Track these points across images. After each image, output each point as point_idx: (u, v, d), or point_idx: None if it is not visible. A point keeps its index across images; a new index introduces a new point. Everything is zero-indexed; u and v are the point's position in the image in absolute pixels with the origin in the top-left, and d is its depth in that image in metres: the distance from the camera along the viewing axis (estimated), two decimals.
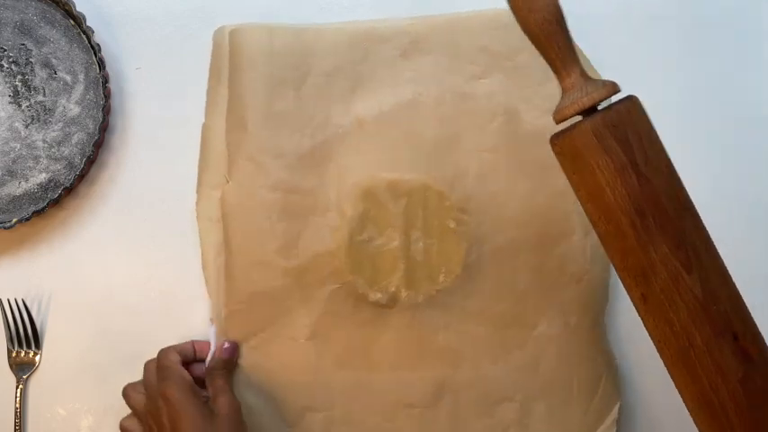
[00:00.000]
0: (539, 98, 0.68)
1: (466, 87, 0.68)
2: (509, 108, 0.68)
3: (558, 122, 0.50)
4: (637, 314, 0.69)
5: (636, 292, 0.49)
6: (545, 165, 0.67)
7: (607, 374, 0.67)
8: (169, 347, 0.63)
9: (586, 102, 0.48)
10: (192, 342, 0.66)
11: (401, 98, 0.68)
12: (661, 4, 0.72)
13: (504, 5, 0.68)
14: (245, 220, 0.66)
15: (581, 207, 0.67)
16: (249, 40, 0.67)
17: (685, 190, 0.49)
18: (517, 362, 0.66)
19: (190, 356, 0.64)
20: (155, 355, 0.68)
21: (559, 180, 0.67)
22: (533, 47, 0.67)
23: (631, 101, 0.49)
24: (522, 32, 0.67)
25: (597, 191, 0.48)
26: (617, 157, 0.47)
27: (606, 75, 0.70)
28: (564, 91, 0.50)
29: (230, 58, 0.68)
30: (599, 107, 0.49)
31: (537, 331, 0.67)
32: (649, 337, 0.66)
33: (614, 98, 0.50)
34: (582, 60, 0.69)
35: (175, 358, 0.62)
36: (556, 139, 0.50)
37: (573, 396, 0.66)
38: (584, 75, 0.49)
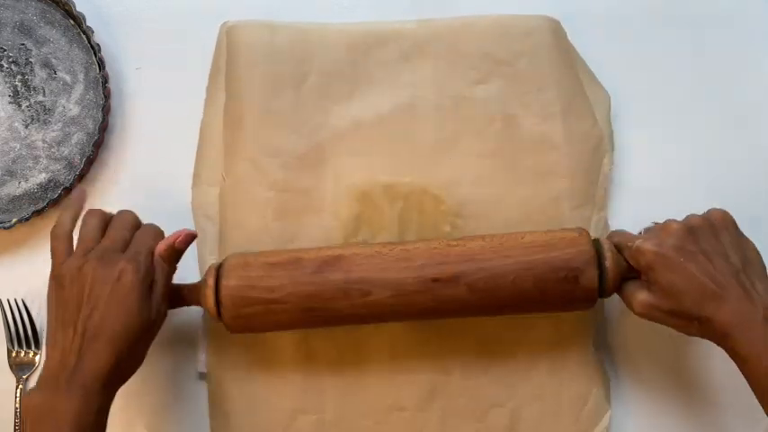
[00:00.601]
0: (537, 104, 0.68)
1: (465, 92, 0.68)
2: (507, 114, 0.68)
3: None
4: (629, 324, 0.69)
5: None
6: (541, 171, 0.67)
7: (599, 384, 0.66)
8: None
9: (210, 301, 0.60)
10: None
11: (400, 101, 0.68)
12: (660, 4, 0.72)
13: (507, 10, 0.69)
14: (241, 218, 0.66)
15: (579, 214, 0.67)
16: (248, 37, 0.67)
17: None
18: (509, 369, 0.66)
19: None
20: (155, 357, 0.68)
21: (555, 186, 0.67)
22: (534, 52, 0.67)
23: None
24: (524, 38, 0.68)
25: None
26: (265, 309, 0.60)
27: (605, 75, 0.70)
28: None
29: (227, 56, 0.68)
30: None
31: (529, 339, 0.67)
32: (640, 348, 0.68)
33: None
34: (578, 63, 0.70)
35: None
36: None
37: (563, 404, 0.66)
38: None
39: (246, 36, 0.68)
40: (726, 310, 0.53)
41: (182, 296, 0.61)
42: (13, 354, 0.66)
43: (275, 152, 0.67)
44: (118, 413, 0.67)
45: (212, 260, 0.67)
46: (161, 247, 0.57)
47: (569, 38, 0.69)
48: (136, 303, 0.55)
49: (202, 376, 0.68)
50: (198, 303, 0.61)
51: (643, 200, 0.69)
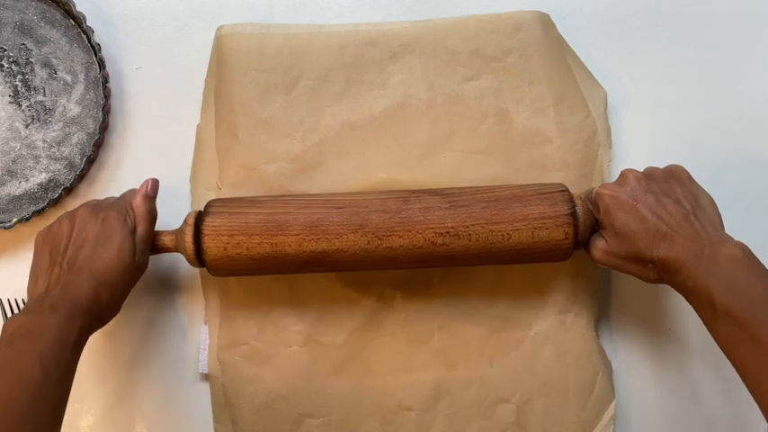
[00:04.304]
0: (529, 98, 0.68)
1: (457, 89, 0.68)
2: (500, 109, 0.68)
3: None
4: (632, 313, 0.69)
5: None
6: (536, 164, 0.67)
7: (602, 373, 0.67)
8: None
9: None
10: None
11: (392, 101, 0.68)
12: (660, 3, 0.72)
13: (507, 9, 0.69)
14: None
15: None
16: (238, 46, 0.67)
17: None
18: (513, 362, 0.66)
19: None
20: (155, 357, 0.68)
21: (550, 179, 0.67)
22: (523, 47, 0.67)
23: None
24: (512, 33, 0.68)
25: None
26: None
27: (604, 72, 0.70)
28: None
29: (218, 65, 0.68)
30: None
31: (533, 331, 0.67)
32: (645, 337, 0.68)
33: None
34: (571, 57, 0.70)
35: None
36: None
37: (569, 395, 0.66)
38: None
39: (236, 45, 0.67)
40: (676, 248, 0.56)
41: (162, 242, 0.63)
42: None
43: (270, 158, 0.67)
44: (118, 413, 0.68)
45: None
46: (137, 197, 0.62)
47: (568, 36, 0.70)
48: (118, 244, 0.59)
49: (203, 377, 0.68)
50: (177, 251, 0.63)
51: None
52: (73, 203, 0.69)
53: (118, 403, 0.68)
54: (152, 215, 0.62)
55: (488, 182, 0.67)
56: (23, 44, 0.68)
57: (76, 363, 0.55)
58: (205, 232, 0.59)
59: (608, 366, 0.67)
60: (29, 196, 0.68)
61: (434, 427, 0.66)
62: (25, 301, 0.67)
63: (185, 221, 0.61)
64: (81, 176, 0.68)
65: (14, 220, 0.66)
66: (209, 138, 0.69)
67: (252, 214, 0.59)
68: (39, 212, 0.66)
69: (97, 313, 0.57)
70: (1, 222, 0.66)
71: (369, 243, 0.59)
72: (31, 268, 0.60)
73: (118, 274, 0.58)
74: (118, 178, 0.69)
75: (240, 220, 0.59)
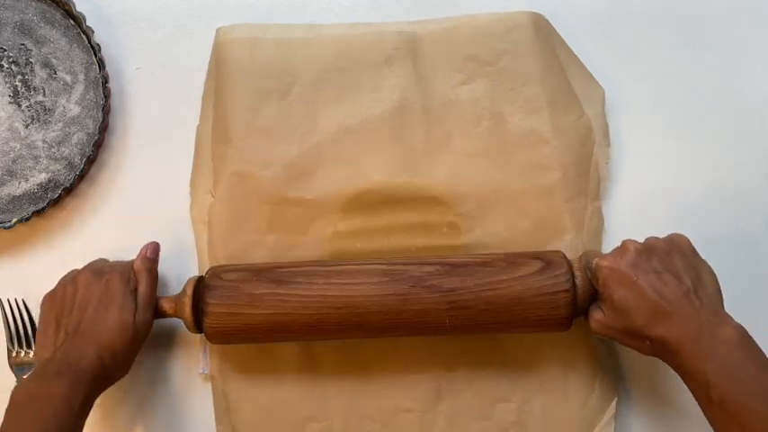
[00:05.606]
0: (523, 100, 0.68)
1: (451, 94, 0.68)
2: (494, 111, 0.68)
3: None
4: None
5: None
6: (533, 165, 0.67)
7: (603, 371, 0.67)
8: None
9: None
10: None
11: (387, 105, 0.67)
12: (659, 3, 0.72)
13: (498, 8, 0.69)
14: (234, 234, 0.66)
15: (573, 206, 0.67)
16: (234, 52, 0.67)
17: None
18: (513, 362, 0.66)
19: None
20: (154, 356, 0.68)
21: (548, 179, 0.67)
22: (515, 49, 0.67)
23: None
24: (504, 35, 0.67)
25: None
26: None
27: (603, 73, 0.70)
28: None
29: (215, 72, 0.68)
30: None
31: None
32: None
33: None
34: (567, 56, 0.69)
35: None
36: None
37: (570, 393, 0.66)
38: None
39: (232, 51, 0.67)
40: (674, 328, 0.54)
41: (162, 308, 0.63)
42: (13, 354, 0.66)
43: (265, 164, 0.67)
44: (119, 413, 0.68)
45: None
46: (136, 259, 0.64)
47: (566, 35, 0.70)
48: (120, 303, 0.60)
49: (204, 377, 0.68)
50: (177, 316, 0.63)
51: (641, 194, 0.69)
52: (73, 203, 0.69)
53: (119, 404, 0.68)
54: (152, 275, 0.63)
55: (486, 183, 0.67)
56: (23, 44, 0.68)
57: (82, 428, 0.56)
58: (207, 331, 0.61)
59: (609, 364, 0.67)
60: (29, 196, 0.68)
61: (435, 427, 0.66)
62: (25, 301, 0.67)
63: (184, 291, 0.62)
64: (81, 176, 0.68)
65: (14, 220, 0.66)
66: (207, 141, 0.69)
67: (251, 315, 0.61)
68: (39, 212, 0.66)
69: (102, 378, 0.58)
70: (1, 222, 0.66)
71: (369, 337, 0.64)
72: (37, 333, 0.62)
73: (120, 336, 0.59)
74: (118, 178, 0.69)
75: (239, 321, 0.61)
